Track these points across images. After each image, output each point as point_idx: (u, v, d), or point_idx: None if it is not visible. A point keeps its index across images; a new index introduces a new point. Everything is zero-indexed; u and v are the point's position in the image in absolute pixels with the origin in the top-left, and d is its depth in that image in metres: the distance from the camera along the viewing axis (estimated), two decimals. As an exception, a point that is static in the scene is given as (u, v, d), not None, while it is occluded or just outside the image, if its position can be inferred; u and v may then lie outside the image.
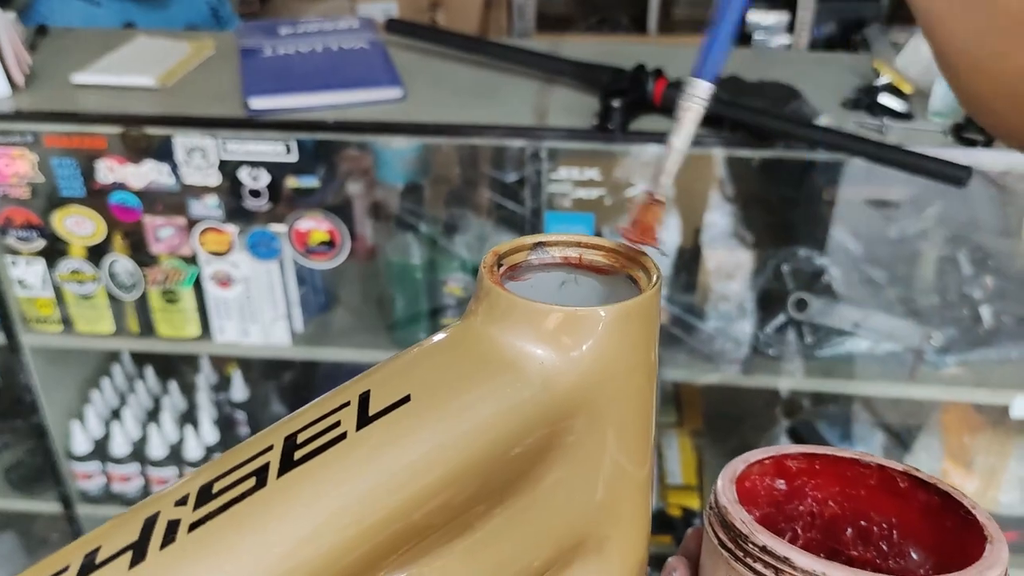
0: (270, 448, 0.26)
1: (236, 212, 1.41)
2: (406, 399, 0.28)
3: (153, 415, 1.72)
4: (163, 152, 1.36)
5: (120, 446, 1.64)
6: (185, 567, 0.22)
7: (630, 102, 1.28)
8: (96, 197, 1.40)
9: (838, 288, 1.46)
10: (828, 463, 0.35)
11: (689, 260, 1.56)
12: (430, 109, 1.34)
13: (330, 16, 1.62)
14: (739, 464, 0.35)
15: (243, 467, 0.25)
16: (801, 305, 1.44)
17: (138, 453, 1.67)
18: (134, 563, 0.22)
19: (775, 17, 2.65)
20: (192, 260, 1.45)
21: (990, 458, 1.54)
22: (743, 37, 2.64)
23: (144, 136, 1.33)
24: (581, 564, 0.34)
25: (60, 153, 1.37)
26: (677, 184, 1.51)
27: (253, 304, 1.47)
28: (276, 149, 1.34)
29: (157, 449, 1.65)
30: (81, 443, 1.64)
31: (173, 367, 1.78)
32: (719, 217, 1.54)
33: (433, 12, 2.87)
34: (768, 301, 1.49)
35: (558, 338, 0.30)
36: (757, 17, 2.67)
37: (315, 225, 1.41)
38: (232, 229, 1.42)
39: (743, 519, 0.32)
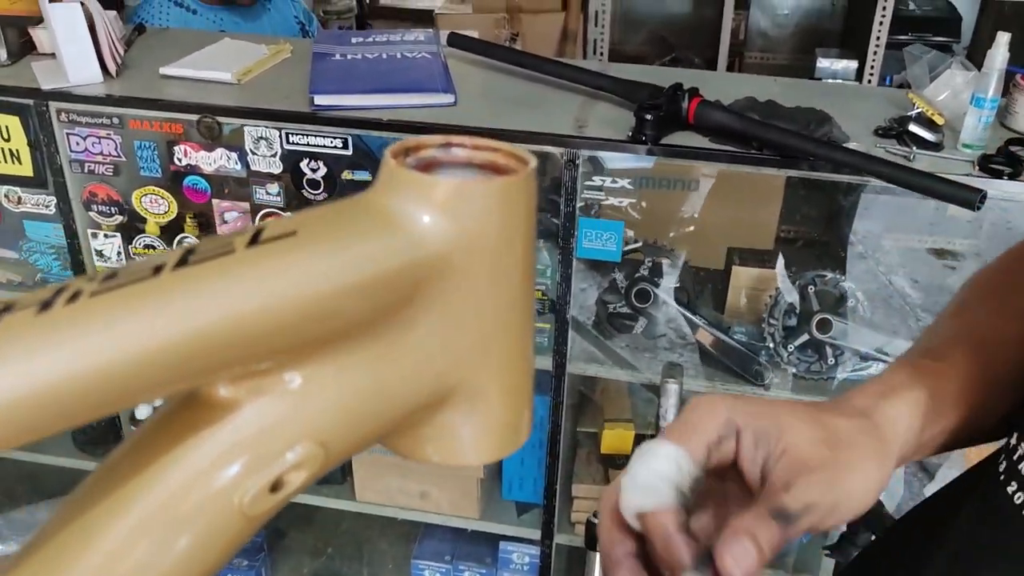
0: (169, 256, 0.33)
1: (295, 200, 1.52)
2: (293, 233, 0.35)
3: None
4: (233, 141, 1.49)
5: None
6: (84, 318, 0.29)
7: (663, 117, 1.35)
8: (171, 179, 1.54)
9: (862, 312, 1.49)
10: None
11: (720, 278, 1.61)
12: (478, 115, 1.44)
13: (400, 30, 1.74)
14: None
15: (144, 265, 0.32)
16: (824, 326, 1.47)
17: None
18: (41, 311, 0.29)
19: (843, 63, 2.68)
20: (253, 243, 1.56)
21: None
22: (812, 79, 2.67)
23: (217, 124, 1.46)
24: (451, 409, 0.39)
25: (142, 136, 1.51)
26: (711, 204, 1.57)
27: (305, 288, 1.57)
28: (334, 143, 1.45)
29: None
30: (144, 409, 1.76)
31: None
32: (751, 237, 1.59)
33: (511, 44, 2.99)
34: (794, 320, 1.52)
35: (442, 205, 0.35)
36: (826, 63, 2.70)
37: (366, 217, 1.51)
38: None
39: None
